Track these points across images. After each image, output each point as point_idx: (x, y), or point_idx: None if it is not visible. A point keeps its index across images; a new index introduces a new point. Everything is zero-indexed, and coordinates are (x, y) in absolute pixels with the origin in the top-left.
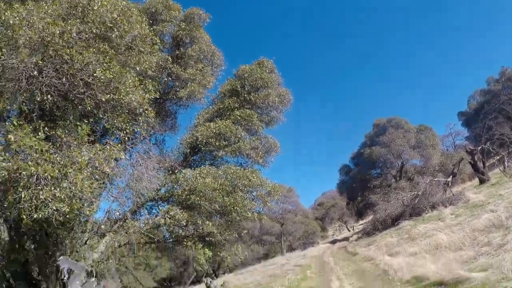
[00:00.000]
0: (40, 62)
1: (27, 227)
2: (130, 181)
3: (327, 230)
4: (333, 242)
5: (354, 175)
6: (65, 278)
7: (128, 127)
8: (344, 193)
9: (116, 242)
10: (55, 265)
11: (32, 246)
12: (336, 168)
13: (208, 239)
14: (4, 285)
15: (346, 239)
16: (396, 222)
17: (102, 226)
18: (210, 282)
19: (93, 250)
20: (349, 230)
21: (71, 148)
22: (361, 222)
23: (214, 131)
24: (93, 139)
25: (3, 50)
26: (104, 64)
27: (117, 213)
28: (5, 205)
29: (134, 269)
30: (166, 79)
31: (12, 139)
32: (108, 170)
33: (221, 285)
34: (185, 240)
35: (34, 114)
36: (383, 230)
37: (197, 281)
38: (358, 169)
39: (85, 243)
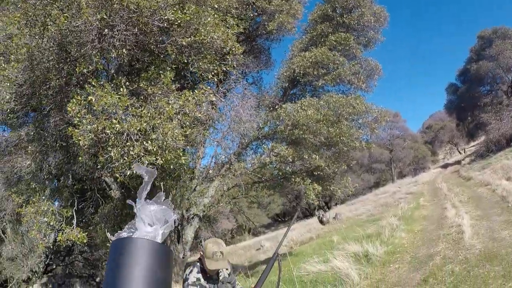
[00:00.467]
0: (106, 17)
1: (134, 183)
2: (231, 123)
3: (437, 154)
4: (445, 166)
5: (461, 94)
6: (179, 225)
7: (216, 68)
8: (453, 113)
9: (225, 185)
10: None
11: None
12: (442, 87)
13: (316, 173)
14: None
15: (457, 162)
16: (511, 142)
17: (210, 171)
18: (322, 215)
19: (203, 196)
20: (460, 153)
21: (157, 99)
22: (472, 143)
23: (311, 60)
24: (179, 86)
25: (66, 14)
26: (176, 6)
27: (223, 157)
28: (98, 166)
29: (248, 208)
30: (252, 15)
31: (93, 100)
32: (199, 115)
33: (333, 217)
34: (293, 176)
35: (113, 71)
36: (497, 151)
37: (310, 214)
38: (466, 87)
39: (194, 190)
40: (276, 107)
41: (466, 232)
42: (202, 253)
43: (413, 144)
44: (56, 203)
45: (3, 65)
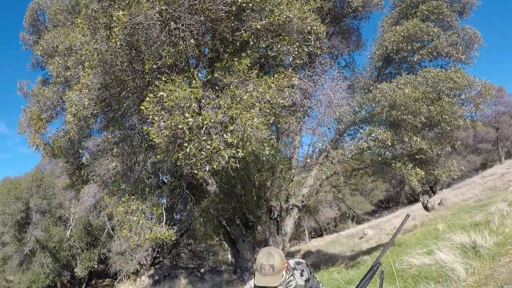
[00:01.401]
0: (166, 8)
1: (228, 177)
2: (325, 109)
3: None
4: None
5: None
6: (278, 217)
7: (297, 50)
8: None
9: (323, 174)
10: (264, 206)
11: (240, 193)
12: None
13: (418, 157)
14: (221, 232)
15: None
16: None
17: (308, 160)
18: (427, 201)
19: (301, 186)
20: None
21: (233, 88)
22: None
23: (403, 34)
24: (258, 72)
25: (125, 12)
26: None
27: (320, 145)
28: (178, 163)
29: (350, 195)
30: None
31: (164, 95)
32: (282, 101)
33: (438, 203)
34: (393, 161)
35: (183, 64)
36: None
37: (414, 199)
38: None
39: (292, 180)
40: (371, 88)
41: None
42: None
43: None
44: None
45: (81, 73)
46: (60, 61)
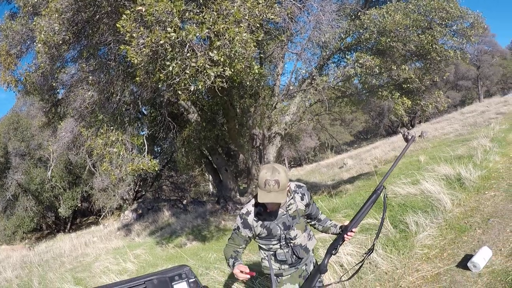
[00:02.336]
0: None
1: (210, 104)
2: (312, 32)
3: None
4: None
5: None
6: (260, 145)
7: None
8: None
9: (307, 102)
10: (247, 134)
11: (222, 121)
12: None
13: (405, 86)
14: (203, 161)
15: None
16: None
17: (291, 87)
18: (408, 132)
19: (284, 114)
20: None
21: (218, 1)
22: None
23: None
24: None
25: None
26: None
27: (304, 71)
28: (159, 86)
29: (330, 125)
30: None
31: (143, 9)
32: (272, 16)
33: (419, 135)
34: (379, 90)
35: None
36: None
37: (393, 132)
38: None
39: (275, 108)
40: (359, 14)
41: None
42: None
43: (502, 61)
44: (127, 132)
45: None
46: None
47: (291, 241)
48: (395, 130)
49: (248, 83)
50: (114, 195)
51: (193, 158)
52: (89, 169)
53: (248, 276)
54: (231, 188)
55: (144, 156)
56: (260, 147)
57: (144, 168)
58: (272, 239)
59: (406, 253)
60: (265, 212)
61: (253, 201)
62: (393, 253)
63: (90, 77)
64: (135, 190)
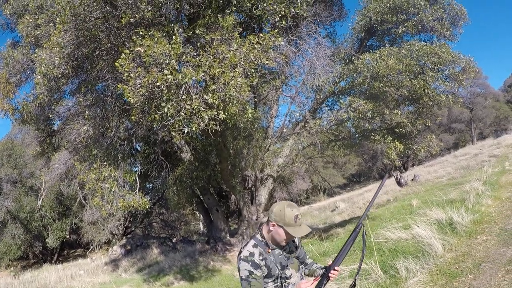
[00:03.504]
0: None
1: (203, 144)
2: (306, 76)
3: None
4: None
5: None
6: (252, 187)
7: (283, 10)
8: None
9: (300, 145)
10: (240, 175)
11: (215, 161)
12: None
13: (397, 130)
14: (194, 201)
15: None
16: None
17: (284, 130)
18: (400, 176)
19: (277, 156)
20: None
21: (216, 44)
22: None
23: (388, 5)
24: (242, 30)
25: None
26: None
27: (297, 114)
28: (153, 126)
29: (323, 168)
30: None
31: (142, 51)
32: (267, 62)
33: (412, 179)
34: (372, 134)
35: (163, 19)
36: None
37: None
38: None
39: (268, 150)
40: (353, 58)
41: None
42: (274, 221)
43: (495, 103)
44: (120, 169)
45: (52, 31)
46: (30, 20)
47: (286, 280)
48: (389, 173)
49: (242, 125)
50: (103, 229)
51: (185, 197)
52: (80, 201)
53: None
54: (221, 229)
55: (135, 194)
56: (252, 188)
57: (134, 206)
58: (269, 279)
59: None
60: (265, 252)
61: (252, 242)
62: None
63: (87, 111)
64: (125, 225)
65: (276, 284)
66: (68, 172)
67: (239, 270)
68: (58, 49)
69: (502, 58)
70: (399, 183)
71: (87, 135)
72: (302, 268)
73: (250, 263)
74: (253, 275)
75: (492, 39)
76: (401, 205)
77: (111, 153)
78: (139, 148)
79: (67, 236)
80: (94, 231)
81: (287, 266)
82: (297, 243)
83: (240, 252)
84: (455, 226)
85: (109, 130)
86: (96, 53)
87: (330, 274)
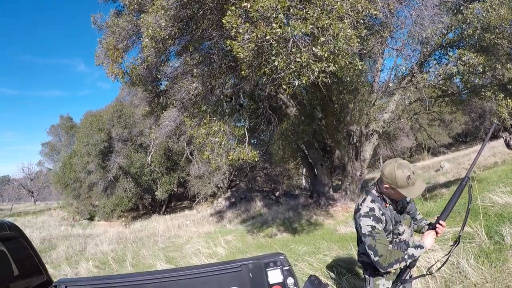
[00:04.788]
0: None
1: (310, 98)
2: (413, 26)
3: None
4: None
5: None
6: (357, 142)
7: None
8: None
9: (407, 100)
10: (345, 130)
11: (320, 116)
12: None
13: (510, 87)
14: (298, 155)
15: None
16: None
17: (390, 84)
18: (510, 138)
19: (383, 111)
20: None
21: None
22: None
23: None
24: None
25: None
26: None
27: (404, 68)
28: (264, 79)
29: (428, 125)
30: None
31: (248, 6)
32: (375, 12)
33: None
34: (482, 90)
35: None
36: None
37: (494, 136)
38: None
39: (374, 105)
40: (461, 8)
41: None
42: (386, 183)
43: None
44: (229, 123)
45: None
46: None
47: (399, 236)
48: (497, 134)
49: (348, 78)
50: (209, 183)
51: (290, 151)
52: (187, 156)
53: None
54: (325, 184)
55: (245, 147)
56: (357, 144)
57: (244, 158)
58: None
59: (499, 267)
60: (383, 207)
61: (369, 198)
62: (484, 265)
63: (195, 69)
64: (230, 179)
65: (388, 238)
66: (177, 128)
67: (360, 227)
68: (163, 12)
69: None
70: (508, 145)
71: (196, 92)
72: (412, 223)
73: (371, 217)
74: (376, 230)
75: None
76: (509, 168)
77: (219, 108)
78: (245, 104)
79: (175, 189)
80: (200, 184)
81: (400, 222)
82: (409, 198)
83: (358, 209)
84: None
85: (216, 87)
86: (200, 12)
87: (436, 228)
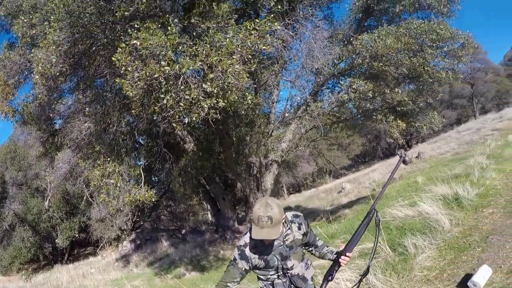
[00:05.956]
0: None
1: (206, 133)
2: (305, 59)
3: None
4: None
5: None
6: (257, 173)
7: None
8: None
9: (303, 128)
10: (244, 162)
11: (219, 150)
12: None
13: (399, 109)
14: (200, 191)
15: None
16: None
17: (286, 114)
18: (405, 154)
19: (280, 141)
20: None
21: (212, 33)
22: None
23: None
24: (237, 17)
25: None
26: None
27: (298, 98)
28: (154, 118)
29: (327, 150)
30: None
31: (138, 44)
32: (264, 47)
33: (416, 156)
34: (374, 113)
35: (157, 10)
36: None
37: (391, 153)
38: None
39: (271, 135)
40: (351, 39)
41: None
42: None
43: (495, 77)
44: (124, 164)
45: (47, 29)
46: (25, 20)
47: (288, 271)
48: (393, 152)
49: (243, 112)
50: (112, 226)
51: (191, 187)
52: (87, 199)
53: None
54: (229, 217)
55: (141, 187)
56: (257, 175)
57: (141, 200)
58: (269, 270)
59: (406, 276)
60: (262, 243)
61: (248, 234)
62: (392, 277)
63: (87, 108)
64: (133, 220)
65: (279, 273)
66: (73, 170)
67: None
68: (54, 47)
69: (502, 32)
70: (404, 161)
71: (88, 132)
72: (308, 251)
73: (239, 251)
74: (235, 262)
75: (491, 13)
76: (406, 182)
77: (114, 148)
78: (142, 142)
79: (76, 235)
80: (103, 228)
81: (289, 256)
82: (304, 230)
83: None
84: (461, 201)
85: (110, 125)
86: (93, 49)
87: (340, 260)
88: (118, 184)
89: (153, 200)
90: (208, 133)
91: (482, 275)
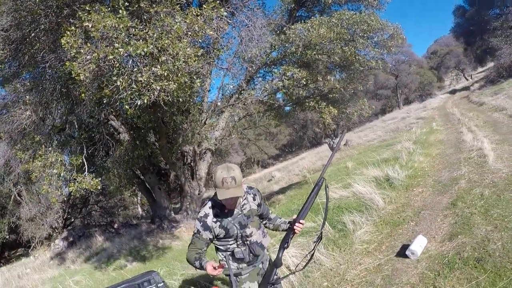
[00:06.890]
0: None
1: (144, 121)
2: (242, 46)
3: (443, 80)
4: (452, 92)
5: (470, 17)
6: (191, 162)
7: None
8: (460, 38)
9: (236, 116)
10: (179, 151)
11: (153, 139)
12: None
13: (331, 96)
14: (135, 181)
15: (466, 88)
16: None
17: (219, 103)
18: (333, 142)
19: (213, 129)
20: (467, 79)
21: (162, 17)
22: (480, 69)
23: None
24: (184, 3)
25: None
26: None
27: (231, 87)
28: (104, 101)
29: (256, 139)
30: None
31: (90, 26)
32: (211, 32)
33: (344, 144)
34: (306, 100)
35: None
36: (508, 77)
37: (318, 143)
38: (475, 9)
39: (205, 124)
40: (284, 29)
41: (488, 156)
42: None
43: (419, 69)
44: (65, 153)
45: None
46: None
47: (247, 238)
48: (319, 141)
49: (181, 99)
50: (42, 224)
51: (126, 178)
52: (15, 198)
53: (222, 270)
54: (165, 207)
55: (85, 176)
56: (192, 163)
57: (87, 187)
58: (229, 239)
59: (347, 250)
60: (222, 212)
61: (209, 204)
62: (335, 251)
63: (27, 96)
64: (64, 217)
65: (239, 242)
66: (6, 165)
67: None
68: None
69: (425, 26)
70: (332, 149)
71: (29, 121)
72: (263, 224)
73: (201, 223)
74: (199, 234)
75: (417, 8)
76: (337, 168)
77: (54, 137)
78: (76, 135)
79: (6, 237)
80: (33, 228)
81: (247, 225)
82: (258, 201)
83: (198, 212)
84: (392, 182)
85: (49, 114)
86: (32, 34)
87: (295, 227)
88: (61, 174)
89: (99, 187)
90: (145, 121)
91: (419, 244)
